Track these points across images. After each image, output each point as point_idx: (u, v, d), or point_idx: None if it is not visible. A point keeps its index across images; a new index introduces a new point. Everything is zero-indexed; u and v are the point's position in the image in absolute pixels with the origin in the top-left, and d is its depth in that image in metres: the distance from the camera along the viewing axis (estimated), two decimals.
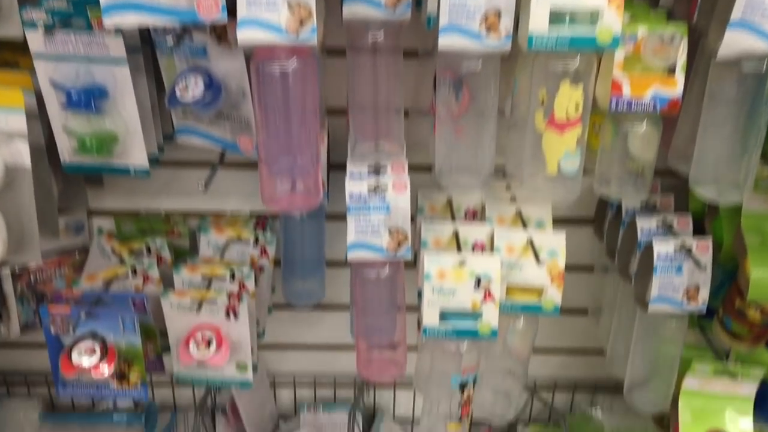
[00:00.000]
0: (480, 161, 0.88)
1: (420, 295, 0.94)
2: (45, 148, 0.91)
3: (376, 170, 0.88)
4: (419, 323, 1.08)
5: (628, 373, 1.05)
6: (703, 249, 0.92)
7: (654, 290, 0.94)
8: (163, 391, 1.33)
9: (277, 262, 1.12)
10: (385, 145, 0.91)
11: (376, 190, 0.85)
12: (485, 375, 1.02)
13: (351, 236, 0.87)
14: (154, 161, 0.93)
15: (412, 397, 1.35)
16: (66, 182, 1.05)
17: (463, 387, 0.94)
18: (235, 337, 0.98)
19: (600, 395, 1.33)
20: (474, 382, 0.96)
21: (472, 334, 0.90)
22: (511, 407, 1.06)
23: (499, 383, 1.06)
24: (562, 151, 0.81)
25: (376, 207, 0.86)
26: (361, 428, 1.26)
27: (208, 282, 1.00)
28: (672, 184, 1.07)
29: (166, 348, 1.02)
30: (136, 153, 0.88)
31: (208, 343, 0.96)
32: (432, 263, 0.88)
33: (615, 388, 1.31)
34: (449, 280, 0.88)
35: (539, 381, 1.32)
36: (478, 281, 0.88)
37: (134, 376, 0.96)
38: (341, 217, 0.89)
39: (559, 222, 1.00)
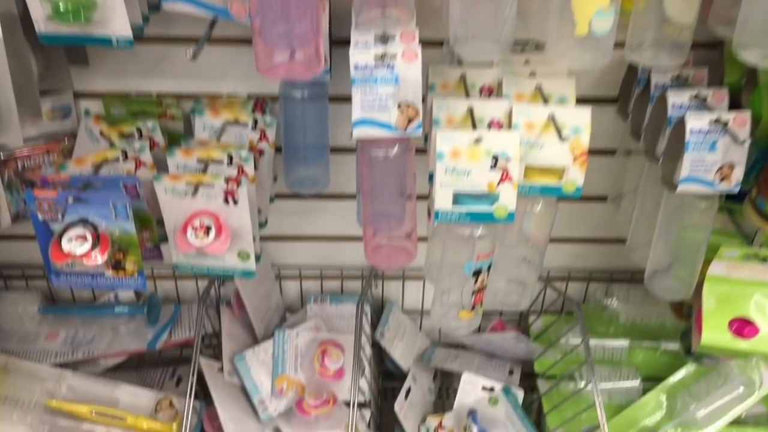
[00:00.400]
0: (499, 27, 0.79)
1: (431, 177, 0.87)
2: (19, 18, 0.84)
3: (384, 39, 0.79)
4: (429, 211, 1.03)
5: (651, 260, 1.00)
6: (741, 123, 0.84)
7: (684, 169, 0.87)
8: (165, 283, 1.30)
9: (278, 150, 1.06)
10: (393, 12, 0.82)
11: (383, 59, 0.77)
12: (499, 263, 0.97)
13: (356, 112, 0.80)
14: (138, 31, 0.84)
15: (422, 289, 1.31)
16: (47, 60, 0.98)
17: (476, 274, 0.89)
18: (235, 224, 0.92)
19: (615, 285, 1.29)
20: (488, 269, 0.90)
21: (488, 218, 0.84)
22: (525, 296, 1.02)
23: (514, 271, 1.01)
24: (595, 7, 0.72)
25: (384, 78, 0.78)
26: (369, 320, 1.23)
27: (204, 166, 0.93)
28: (706, 58, 0.99)
29: (164, 238, 0.96)
30: (117, 20, 0.79)
31: (207, 230, 0.91)
32: (445, 141, 0.81)
33: (631, 277, 1.28)
34: (464, 160, 0.81)
35: (552, 271, 1.28)
36: (495, 160, 0.81)
37: (130, 264, 0.91)
38: (345, 99, 0.82)
39: (579, 101, 0.92)
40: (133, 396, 1.13)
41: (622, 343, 1.23)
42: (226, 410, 1.09)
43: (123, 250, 0.90)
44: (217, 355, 1.18)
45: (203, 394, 1.12)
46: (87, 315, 1.24)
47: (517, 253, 0.99)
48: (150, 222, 0.96)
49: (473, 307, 0.93)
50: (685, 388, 1.17)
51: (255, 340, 1.22)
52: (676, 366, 1.20)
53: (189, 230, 0.90)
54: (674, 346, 1.23)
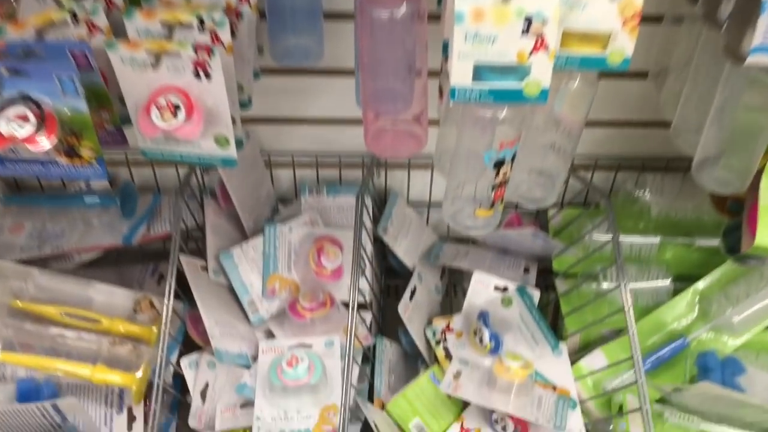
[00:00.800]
0: None
1: (446, 47, 0.72)
2: None
3: None
4: (442, 89, 0.87)
5: (701, 147, 0.85)
6: None
7: (757, 36, 0.70)
8: (143, 170, 1.16)
9: (262, 14, 0.89)
10: None
11: None
12: (523, 150, 0.82)
13: None
14: None
15: (430, 178, 1.17)
16: None
17: (498, 165, 0.75)
18: (209, 103, 0.77)
19: (648, 174, 1.14)
20: (512, 160, 0.76)
21: (516, 97, 0.69)
22: (552, 191, 0.87)
23: (540, 161, 0.86)
24: None
25: None
26: (370, 213, 1.10)
27: (169, 31, 0.77)
28: None
29: (127, 118, 0.81)
30: None
31: (175, 110, 0.75)
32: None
33: (666, 166, 1.13)
34: (488, 23, 0.65)
35: (576, 158, 1.13)
36: (528, 23, 0.64)
37: (86, 150, 0.77)
38: None
39: None
40: (109, 296, 1.02)
41: (653, 240, 1.11)
42: (211, 313, 0.98)
43: (76, 133, 0.76)
44: (201, 252, 1.06)
45: (188, 294, 1.01)
46: (55, 205, 1.11)
47: (545, 139, 0.84)
48: (108, 99, 0.81)
49: (492, 205, 0.79)
50: (721, 290, 1.05)
51: (243, 236, 1.10)
52: (711, 265, 1.08)
53: (153, 110, 0.75)
54: (710, 242, 1.10)
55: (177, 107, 0.75)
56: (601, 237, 1.08)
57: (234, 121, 0.81)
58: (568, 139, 0.83)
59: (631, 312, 0.92)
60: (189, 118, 0.75)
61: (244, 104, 0.89)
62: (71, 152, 0.77)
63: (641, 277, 1.08)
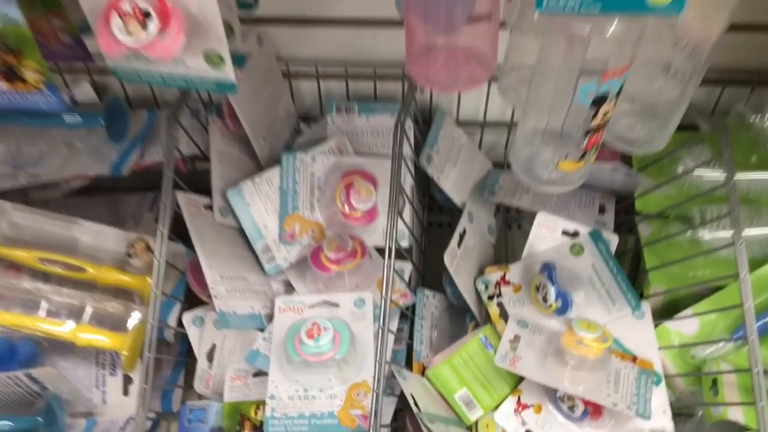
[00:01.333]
0: None
1: None
2: None
3: None
4: None
5: None
6: None
7: None
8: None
9: None
10: None
11: None
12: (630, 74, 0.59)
13: None
14: None
15: (485, 92, 0.94)
16: None
17: (598, 103, 0.53)
18: (193, 8, 0.55)
19: (766, 92, 0.90)
20: (618, 94, 0.53)
21: (635, 5, 0.46)
22: (663, 131, 0.64)
23: (647, 87, 0.63)
24: None
25: None
26: (411, 140, 0.88)
27: None
28: None
29: (87, 26, 0.61)
30: None
31: (145, 18, 0.54)
32: None
33: None
34: None
35: None
36: None
37: (30, 72, 0.57)
38: None
39: None
40: (97, 237, 0.85)
41: (766, 176, 0.88)
42: (215, 265, 0.80)
43: (13, 50, 0.56)
44: (205, 186, 0.87)
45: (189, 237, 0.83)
46: (31, 124, 0.92)
47: (657, 56, 0.60)
48: (58, 2, 0.60)
49: (583, 155, 0.58)
50: None
51: (257, 165, 0.90)
52: None
53: (114, 18, 0.54)
54: None
55: (147, 14, 0.54)
56: (704, 173, 0.86)
57: (231, 31, 0.60)
58: (690, 59, 0.59)
59: (747, 280, 0.71)
60: (164, 30, 0.54)
61: (247, 5, 0.67)
62: (11, 74, 0.58)
63: (750, 222, 0.87)
